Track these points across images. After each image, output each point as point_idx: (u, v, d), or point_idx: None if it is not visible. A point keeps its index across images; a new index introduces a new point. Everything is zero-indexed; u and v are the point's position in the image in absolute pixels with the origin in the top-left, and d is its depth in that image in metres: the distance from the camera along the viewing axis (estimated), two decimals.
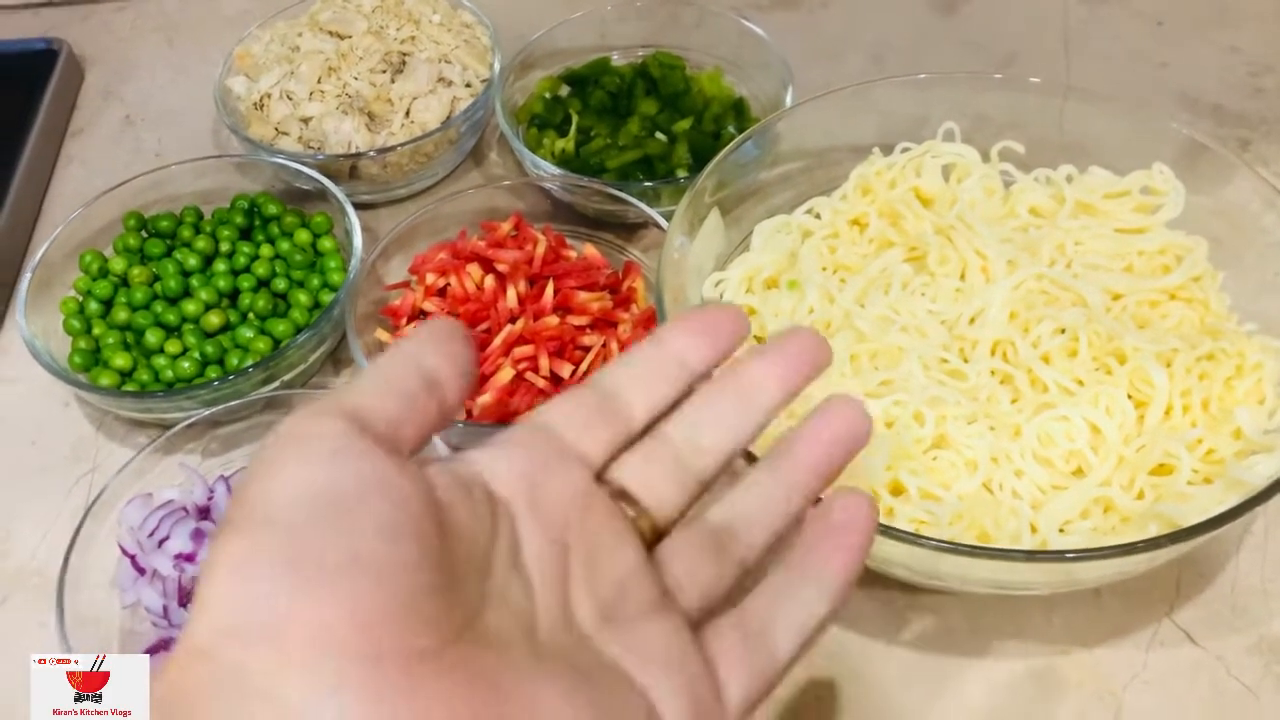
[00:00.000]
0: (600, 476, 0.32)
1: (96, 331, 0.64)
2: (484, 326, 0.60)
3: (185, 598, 0.52)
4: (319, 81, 0.73)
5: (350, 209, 0.66)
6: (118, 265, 0.66)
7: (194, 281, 0.65)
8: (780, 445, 0.34)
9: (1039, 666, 0.51)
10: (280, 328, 0.63)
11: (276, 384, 0.62)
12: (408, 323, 0.62)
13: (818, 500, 0.33)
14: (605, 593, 0.30)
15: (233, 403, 0.59)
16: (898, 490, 0.49)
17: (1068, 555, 0.43)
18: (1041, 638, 0.52)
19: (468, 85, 0.75)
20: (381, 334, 0.62)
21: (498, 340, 0.59)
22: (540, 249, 0.63)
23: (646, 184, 0.67)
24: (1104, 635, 0.52)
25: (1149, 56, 0.80)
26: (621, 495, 0.32)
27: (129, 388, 0.62)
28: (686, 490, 0.32)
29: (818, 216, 0.62)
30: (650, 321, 0.60)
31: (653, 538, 0.32)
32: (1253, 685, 0.50)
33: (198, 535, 0.52)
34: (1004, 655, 0.52)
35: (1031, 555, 0.43)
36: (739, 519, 0.33)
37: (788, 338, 0.34)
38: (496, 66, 0.76)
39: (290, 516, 0.25)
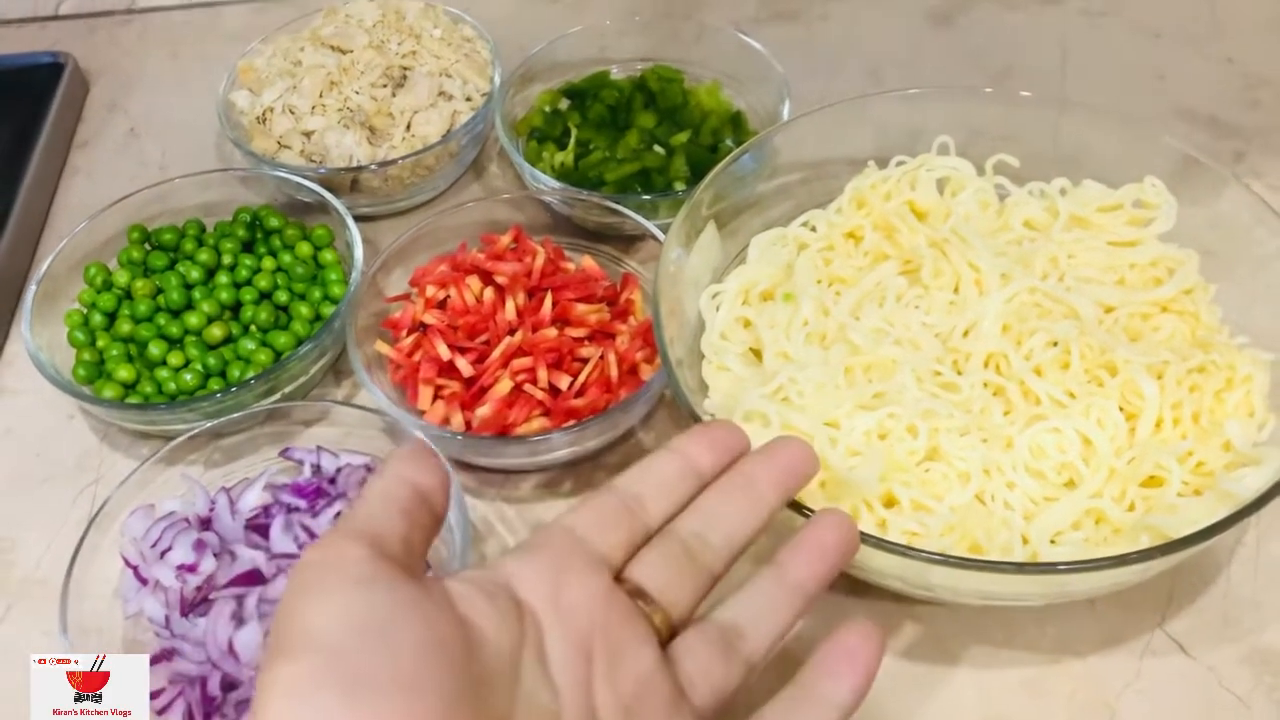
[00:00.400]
0: (619, 576, 0.35)
1: (100, 344, 0.64)
2: (483, 338, 0.61)
3: (187, 608, 0.52)
4: (321, 95, 0.74)
5: (351, 222, 0.67)
6: (121, 278, 0.66)
7: (197, 294, 0.66)
8: (783, 551, 0.37)
9: (1031, 676, 0.51)
10: (282, 340, 0.64)
11: (278, 396, 0.63)
12: (407, 335, 0.62)
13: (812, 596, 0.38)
14: (627, 691, 0.32)
15: (235, 414, 0.59)
16: (890, 502, 0.50)
17: (1058, 567, 0.44)
18: (1034, 647, 0.52)
19: (468, 99, 0.76)
20: (382, 346, 0.62)
21: (496, 352, 0.60)
22: (539, 261, 0.64)
23: (644, 197, 0.67)
24: (1097, 645, 0.52)
25: (1146, 68, 0.81)
26: (639, 594, 0.35)
27: (132, 400, 0.63)
28: (698, 586, 0.36)
29: (813, 229, 0.62)
30: (648, 334, 0.60)
31: (667, 634, 0.35)
32: (1244, 696, 0.50)
33: (199, 546, 0.53)
34: (997, 665, 0.52)
35: (1021, 567, 0.44)
36: (746, 620, 0.36)
37: (782, 445, 0.39)
38: (497, 80, 0.77)
39: (335, 641, 0.27)
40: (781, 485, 0.38)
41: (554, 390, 0.59)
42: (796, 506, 0.43)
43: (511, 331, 0.61)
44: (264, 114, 0.75)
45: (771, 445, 0.39)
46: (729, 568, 0.37)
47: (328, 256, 0.68)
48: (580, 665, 0.32)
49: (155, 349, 0.63)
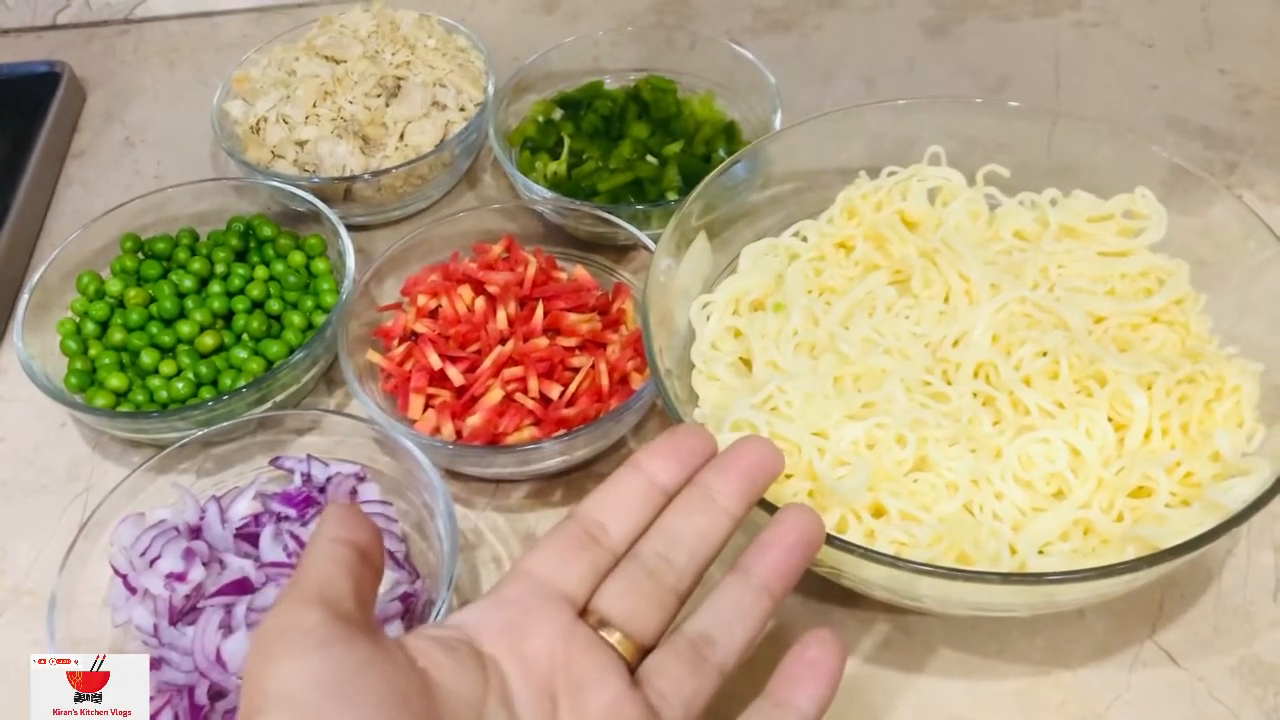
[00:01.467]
0: (585, 608, 0.36)
1: (93, 352, 0.65)
2: (474, 348, 0.61)
3: (175, 617, 0.52)
4: (315, 105, 0.74)
5: (344, 231, 0.67)
6: (114, 287, 0.66)
7: (189, 303, 0.66)
8: (747, 554, 0.38)
9: (1022, 687, 0.51)
10: (274, 349, 0.64)
11: (269, 404, 0.63)
12: (399, 344, 0.62)
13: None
14: None
15: (226, 423, 0.59)
16: (879, 512, 0.50)
17: (1045, 578, 0.44)
18: (1024, 658, 0.52)
19: (462, 109, 0.76)
20: (373, 355, 0.62)
21: (487, 361, 0.60)
22: (531, 271, 0.64)
23: (637, 207, 0.67)
24: (1087, 656, 0.52)
25: (1139, 79, 0.81)
26: (605, 625, 0.36)
27: (124, 408, 0.63)
28: (665, 608, 0.37)
29: (804, 239, 0.62)
30: (639, 343, 0.60)
31: (637, 658, 0.36)
32: (1234, 706, 0.50)
33: (188, 555, 0.53)
34: (987, 675, 0.52)
35: (1008, 578, 0.43)
36: (716, 628, 0.37)
37: (741, 449, 0.39)
38: (490, 90, 0.77)
39: (300, 700, 0.29)
40: (744, 493, 0.38)
41: (545, 400, 0.59)
42: (766, 506, 0.43)
43: (503, 341, 0.61)
44: (258, 123, 0.75)
45: (730, 451, 0.39)
46: (696, 584, 0.38)
47: (320, 265, 0.69)
48: (545, 707, 0.33)
49: (147, 357, 0.63)
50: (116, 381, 0.63)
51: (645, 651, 0.36)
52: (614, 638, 0.35)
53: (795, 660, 0.36)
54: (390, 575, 0.52)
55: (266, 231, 0.69)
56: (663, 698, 0.35)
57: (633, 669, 0.36)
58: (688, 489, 0.38)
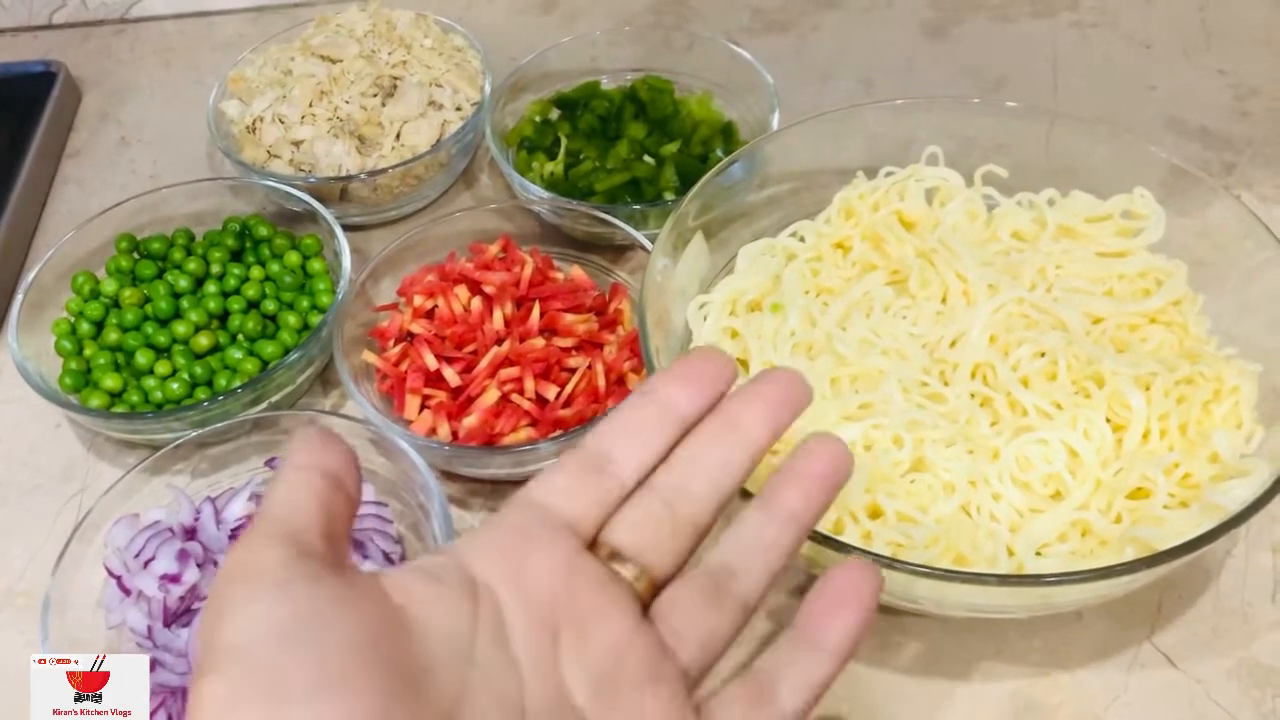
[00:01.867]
0: (595, 540, 0.33)
1: (88, 353, 0.64)
2: (470, 348, 0.61)
3: (170, 619, 0.52)
4: (311, 105, 0.74)
5: (340, 231, 0.67)
6: (109, 287, 0.66)
7: (184, 303, 0.65)
8: (771, 484, 0.34)
9: (1019, 689, 0.51)
10: (269, 349, 0.64)
11: (265, 405, 0.62)
12: (395, 344, 0.62)
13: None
14: (598, 665, 0.30)
15: (221, 424, 0.59)
16: (876, 513, 0.49)
17: (1042, 579, 0.43)
18: (1022, 660, 0.52)
19: (458, 109, 0.76)
20: (369, 355, 0.62)
21: (484, 362, 0.59)
22: (527, 271, 0.63)
23: (634, 207, 0.67)
24: (1085, 658, 0.52)
25: (1137, 79, 0.81)
26: (616, 557, 0.32)
27: (119, 409, 0.62)
28: (684, 540, 0.33)
29: (802, 239, 0.62)
30: (636, 344, 0.60)
31: (650, 594, 0.32)
32: (1232, 708, 0.50)
33: (183, 556, 0.53)
34: (985, 677, 0.52)
35: (1005, 579, 0.43)
36: (737, 558, 0.33)
37: (768, 378, 0.35)
38: (487, 90, 0.77)
39: (257, 651, 0.26)
40: (772, 421, 0.34)
41: (541, 400, 0.59)
42: None
43: (499, 341, 0.61)
44: (254, 123, 0.75)
45: (758, 378, 0.35)
46: (716, 518, 0.34)
47: (316, 266, 0.68)
48: (544, 641, 0.30)
49: (142, 358, 0.63)
50: (111, 382, 0.62)
51: (659, 587, 0.33)
52: (627, 571, 0.32)
53: (827, 587, 0.33)
54: None
55: (262, 231, 0.69)
56: (677, 635, 0.32)
57: (646, 606, 0.32)
58: (710, 416, 0.34)
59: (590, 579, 0.31)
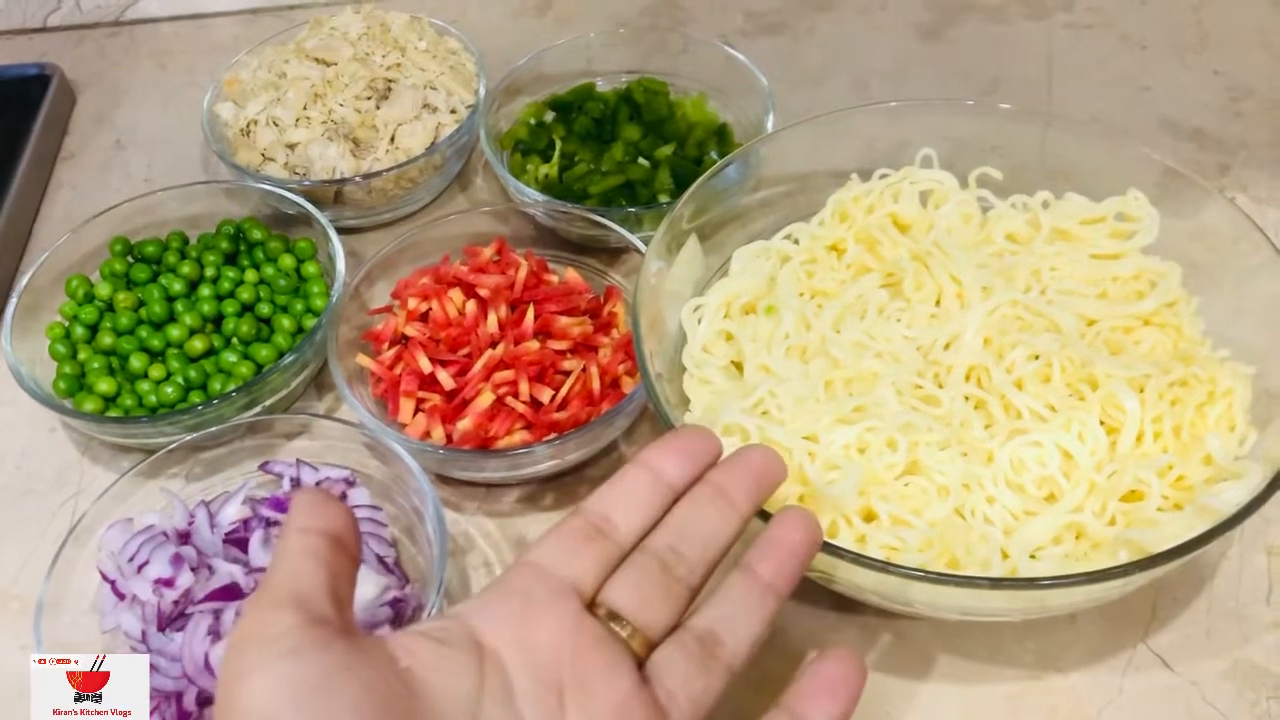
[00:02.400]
0: (594, 600, 0.34)
1: (82, 356, 0.64)
2: (465, 351, 0.61)
3: (164, 623, 0.52)
4: (305, 108, 0.74)
5: (334, 234, 0.67)
6: (103, 290, 0.66)
7: (179, 306, 0.65)
8: (751, 554, 0.37)
9: (1014, 692, 0.51)
10: (263, 353, 0.64)
11: (259, 409, 0.62)
12: (389, 347, 0.62)
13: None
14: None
15: (215, 428, 0.59)
16: (869, 516, 0.49)
17: (1036, 583, 0.43)
18: (1016, 663, 0.52)
19: (453, 111, 0.76)
20: (363, 359, 0.62)
21: (478, 365, 0.59)
22: (522, 274, 0.63)
23: (629, 210, 0.67)
24: (1079, 660, 0.52)
25: (1131, 80, 0.81)
26: (614, 617, 0.34)
27: (113, 413, 0.62)
28: (676, 602, 0.35)
29: (796, 242, 0.62)
30: (630, 346, 0.60)
31: (646, 653, 0.34)
32: (1227, 711, 0.50)
33: (177, 560, 0.53)
34: (979, 680, 0.52)
35: (998, 582, 0.43)
36: (722, 626, 0.35)
37: (749, 454, 0.39)
38: (481, 92, 0.77)
39: (275, 716, 0.28)
40: (753, 493, 0.38)
41: (536, 403, 0.59)
42: (762, 514, 0.43)
43: (493, 344, 0.61)
44: (248, 126, 0.75)
45: (740, 454, 0.39)
46: (706, 580, 0.37)
47: (310, 269, 0.68)
48: (550, 701, 0.32)
49: (136, 362, 0.63)
50: (105, 386, 0.62)
51: (653, 646, 0.35)
52: (624, 631, 0.34)
53: (815, 679, 0.35)
54: (380, 580, 0.52)
55: (256, 234, 0.69)
56: (671, 696, 0.34)
57: (641, 664, 0.34)
58: (699, 485, 0.37)
59: (592, 640, 0.33)
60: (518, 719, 0.31)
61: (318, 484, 0.57)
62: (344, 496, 0.56)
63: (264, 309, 0.66)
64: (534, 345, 0.60)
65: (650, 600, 0.34)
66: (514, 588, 0.34)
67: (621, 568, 0.35)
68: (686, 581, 0.36)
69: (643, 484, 0.37)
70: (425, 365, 0.60)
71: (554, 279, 0.65)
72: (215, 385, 0.63)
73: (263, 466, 0.58)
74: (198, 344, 0.64)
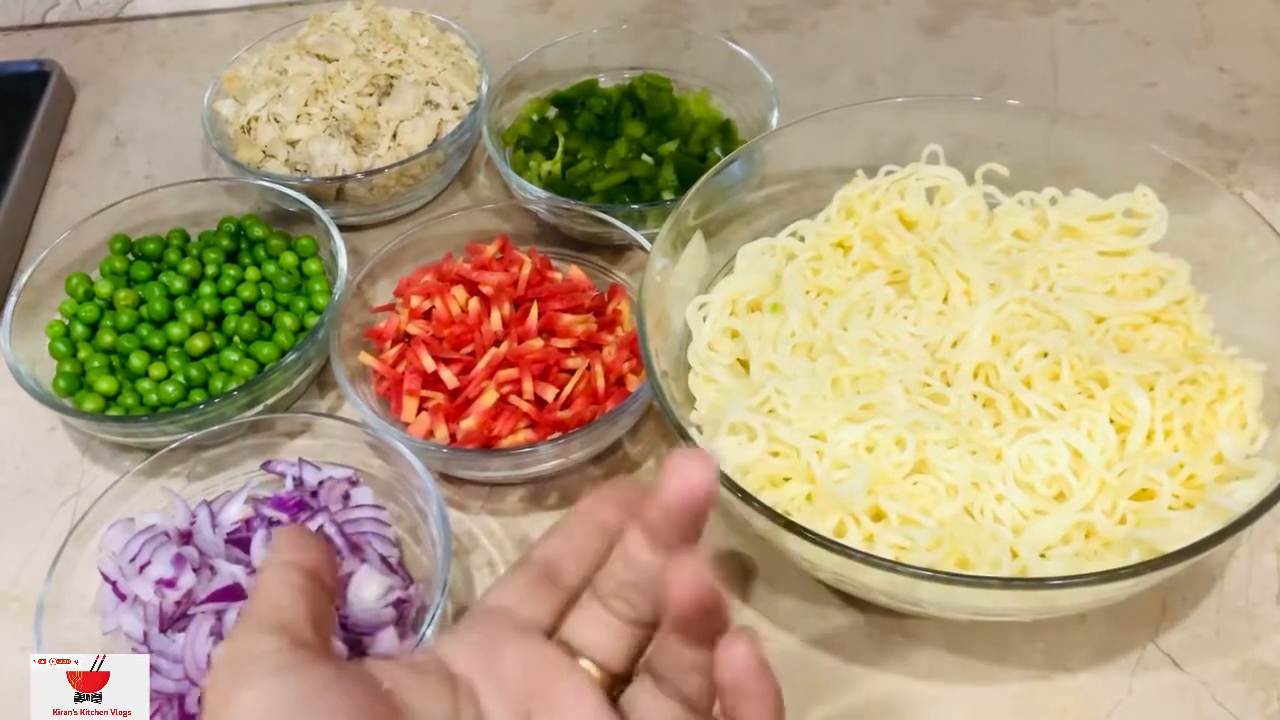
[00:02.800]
0: (551, 639, 0.35)
1: (82, 355, 0.64)
2: (468, 349, 0.60)
3: (166, 624, 0.52)
4: (306, 104, 0.74)
5: (335, 232, 0.66)
6: (104, 288, 0.66)
7: (180, 304, 0.65)
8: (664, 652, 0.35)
9: (1023, 692, 0.51)
10: (265, 351, 0.63)
11: (261, 407, 0.62)
12: (392, 345, 0.62)
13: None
14: None
15: (217, 427, 0.59)
16: (878, 515, 0.49)
17: (1047, 583, 0.43)
18: (1025, 663, 0.52)
19: (455, 108, 0.75)
20: (365, 357, 0.62)
21: (482, 363, 0.59)
22: (525, 271, 0.63)
23: (632, 206, 0.67)
24: (1088, 660, 0.52)
25: (1137, 76, 0.81)
26: (575, 654, 0.35)
27: (114, 412, 0.62)
28: (630, 637, 0.35)
29: (801, 239, 0.62)
30: (635, 344, 0.59)
31: (609, 686, 0.35)
32: (1237, 711, 0.49)
33: (179, 560, 0.52)
34: (987, 680, 0.51)
35: (1009, 582, 0.43)
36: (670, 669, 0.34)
37: (668, 480, 0.33)
38: (484, 89, 0.76)
39: None
40: (681, 526, 0.33)
41: (540, 402, 0.58)
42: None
43: (497, 342, 0.60)
44: (249, 123, 0.74)
45: (663, 484, 0.33)
46: (657, 615, 0.35)
47: (312, 266, 0.68)
48: None
49: (137, 360, 0.63)
50: (106, 385, 0.62)
51: (618, 679, 0.35)
52: (585, 664, 0.35)
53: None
54: (384, 581, 0.51)
55: (258, 232, 0.68)
56: None
57: (612, 696, 0.35)
58: (632, 529, 0.35)
59: (557, 666, 0.34)
60: None
61: (320, 483, 0.56)
62: (347, 496, 0.56)
63: (265, 307, 0.66)
64: (538, 343, 0.60)
65: (602, 638, 0.35)
66: (477, 625, 0.35)
67: (575, 611, 0.36)
68: (636, 620, 0.35)
69: (583, 532, 0.37)
70: (428, 364, 0.59)
71: (557, 276, 0.65)
72: (216, 384, 0.62)
73: (265, 466, 0.58)
74: (199, 342, 0.63)
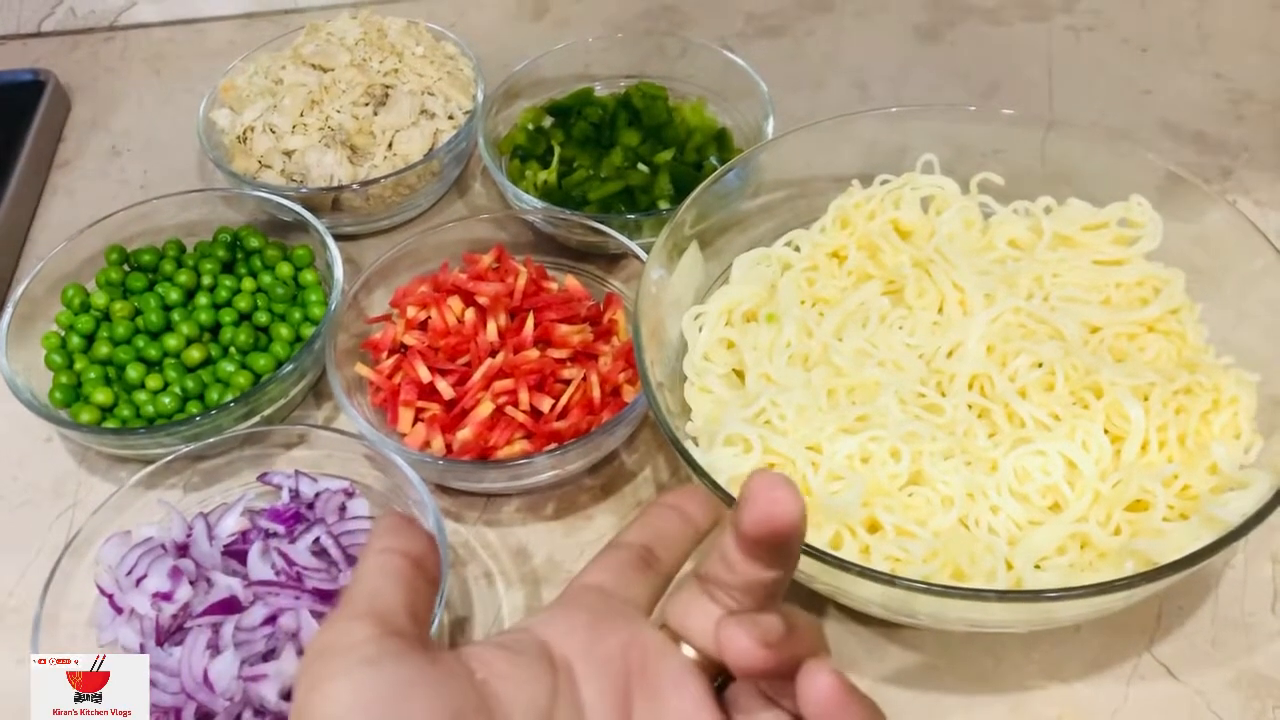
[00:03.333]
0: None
1: (78, 366, 0.64)
2: (464, 360, 0.60)
3: (163, 637, 0.52)
4: (302, 114, 0.74)
5: (331, 242, 0.66)
6: (100, 299, 0.66)
7: (175, 315, 0.65)
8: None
9: (1018, 702, 0.51)
10: (261, 362, 0.63)
11: (257, 419, 0.62)
12: (388, 356, 0.62)
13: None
14: None
15: (213, 438, 0.58)
16: (874, 527, 0.49)
17: (1042, 595, 0.43)
18: (1020, 672, 0.52)
19: (450, 117, 0.75)
20: (362, 368, 0.62)
21: (478, 374, 0.59)
22: (521, 281, 0.63)
23: (628, 216, 0.67)
24: (1083, 670, 0.52)
25: (1132, 84, 0.81)
26: (674, 638, 0.34)
27: (110, 424, 0.62)
28: None
29: (797, 249, 0.62)
30: (631, 354, 0.59)
31: (714, 673, 0.34)
32: None
33: (175, 573, 0.52)
34: (983, 690, 0.51)
35: (1004, 595, 0.43)
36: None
37: (753, 484, 0.33)
38: (479, 98, 0.76)
39: None
40: (770, 550, 0.33)
41: (536, 412, 0.58)
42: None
43: (493, 353, 0.60)
44: (245, 133, 0.74)
45: (749, 481, 0.33)
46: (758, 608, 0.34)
47: (308, 277, 0.68)
48: (620, 711, 0.32)
49: (133, 372, 0.63)
50: (102, 396, 0.62)
51: (720, 668, 0.34)
52: (687, 650, 0.34)
53: None
54: None
55: (254, 242, 0.68)
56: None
57: (715, 684, 0.34)
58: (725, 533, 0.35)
59: (659, 649, 0.33)
60: None
61: (317, 495, 0.56)
62: (343, 508, 0.56)
63: (262, 318, 0.65)
64: (534, 353, 0.60)
65: (706, 625, 0.33)
66: (580, 603, 0.34)
67: (675, 593, 0.35)
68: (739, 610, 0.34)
69: (672, 522, 0.37)
70: (424, 374, 0.59)
71: (553, 286, 0.65)
72: (213, 395, 0.62)
73: (261, 478, 0.58)
74: (195, 353, 0.63)
